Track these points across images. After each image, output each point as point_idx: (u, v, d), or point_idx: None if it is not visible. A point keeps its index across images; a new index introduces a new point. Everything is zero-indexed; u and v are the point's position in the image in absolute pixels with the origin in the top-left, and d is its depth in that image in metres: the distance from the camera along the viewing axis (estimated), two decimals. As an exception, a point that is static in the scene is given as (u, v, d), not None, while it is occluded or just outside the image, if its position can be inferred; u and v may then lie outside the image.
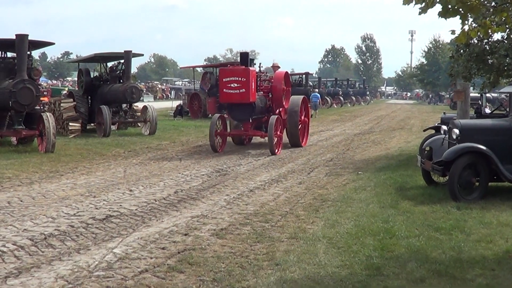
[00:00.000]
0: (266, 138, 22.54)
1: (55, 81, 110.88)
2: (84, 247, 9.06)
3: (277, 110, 24.37)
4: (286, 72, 25.52)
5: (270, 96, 24.35)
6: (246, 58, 22.74)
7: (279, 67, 26.10)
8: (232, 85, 21.85)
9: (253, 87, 22.00)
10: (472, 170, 12.59)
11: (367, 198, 12.85)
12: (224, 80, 22.16)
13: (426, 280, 7.52)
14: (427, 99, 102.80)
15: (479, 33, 8.52)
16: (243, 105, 22.26)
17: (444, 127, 14.77)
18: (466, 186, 12.56)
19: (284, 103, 24.26)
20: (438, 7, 7.85)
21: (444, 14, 7.86)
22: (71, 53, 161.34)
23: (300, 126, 24.64)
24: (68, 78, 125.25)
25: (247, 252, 8.85)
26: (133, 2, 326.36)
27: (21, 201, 12.57)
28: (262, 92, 24.05)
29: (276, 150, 21.85)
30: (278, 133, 22.45)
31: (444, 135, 14.31)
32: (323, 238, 9.49)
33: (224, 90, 22.16)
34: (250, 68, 22.21)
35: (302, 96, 25.83)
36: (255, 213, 11.58)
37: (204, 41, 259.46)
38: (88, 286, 7.34)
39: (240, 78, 21.78)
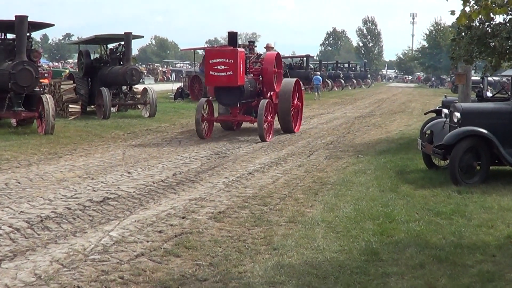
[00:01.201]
0: (256, 123, 21.08)
1: (56, 63, 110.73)
2: (81, 230, 8.98)
3: (268, 94, 23.22)
4: (278, 53, 24.15)
5: (261, 79, 23.02)
6: (234, 38, 21.85)
7: (272, 48, 25.46)
8: (218, 67, 20.43)
9: (241, 70, 20.64)
10: (473, 154, 12.50)
11: (367, 182, 12.76)
12: (210, 62, 20.72)
13: (426, 266, 7.43)
14: (428, 82, 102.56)
15: (480, 15, 8.38)
16: (230, 89, 20.90)
17: (445, 111, 14.64)
18: (467, 170, 12.47)
19: (275, 87, 23.06)
20: (440, -12, 7.74)
21: (446, -5, 7.73)
22: (72, 35, 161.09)
23: (292, 110, 23.43)
24: (69, 60, 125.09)
25: (245, 236, 8.77)
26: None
27: (19, 183, 12.50)
28: (252, 75, 22.81)
29: (267, 137, 20.67)
30: (269, 118, 21.23)
31: (445, 119, 14.19)
32: (322, 222, 9.41)
33: (211, 72, 20.70)
34: (238, 49, 20.98)
35: (294, 79, 24.70)
36: (253, 196, 11.51)
37: (205, 23, 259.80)
38: (83, 270, 7.26)
39: (227, 60, 20.39)
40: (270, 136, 21.07)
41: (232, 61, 20.34)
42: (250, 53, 23.94)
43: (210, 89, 25.99)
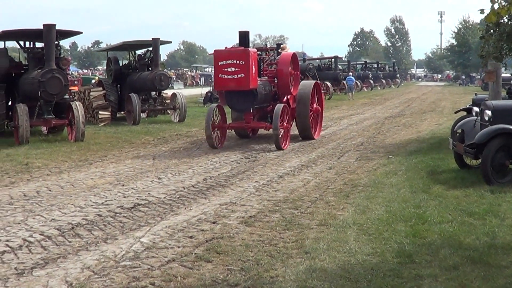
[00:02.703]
0: (271, 130, 19.13)
1: (86, 70, 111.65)
2: (111, 237, 8.99)
3: (285, 98, 21.21)
4: (294, 54, 22.36)
5: (276, 81, 21.33)
6: (245, 38, 19.97)
7: (287, 50, 23.68)
8: (228, 69, 18.81)
9: (253, 72, 18.94)
10: (506, 152, 12.34)
11: (398, 183, 12.66)
12: (219, 63, 19.07)
13: (460, 267, 7.33)
14: (458, 80, 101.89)
15: (509, 12, 8.27)
16: (242, 93, 19.27)
17: (476, 109, 14.49)
18: (500, 169, 12.32)
19: (291, 90, 21.24)
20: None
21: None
22: (101, 42, 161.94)
23: (311, 115, 21.68)
24: (98, 67, 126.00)
25: (276, 240, 8.73)
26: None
27: (50, 190, 12.56)
28: (266, 78, 21.11)
29: (283, 144, 19.06)
30: (285, 124, 19.46)
31: (476, 117, 14.04)
32: (354, 224, 9.34)
33: (220, 75, 19.13)
34: (250, 50, 19.25)
35: (313, 81, 23.20)
36: (284, 199, 11.46)
37: (233, 27, 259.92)
38: (114, 276, 7.26)
39: (238, 61, 18.76)
40: (287, 144, 19.51)
41: (243, 62, 18.75)
42: (265, 54, 22.52)
43: (220, 95, 24.83)
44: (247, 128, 21.22)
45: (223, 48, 19.97)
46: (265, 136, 22.02)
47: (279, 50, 23.51)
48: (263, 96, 20.10)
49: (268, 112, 21.12)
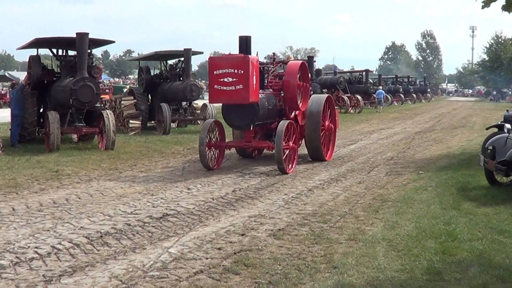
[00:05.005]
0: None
1: (117, 79, 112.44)
2: (140, 246, 9.00)
3: (292, 114, 18.99)
4: (303, 63, 19.44)
5: (282, 95, 18.75)
6: (246, 44, 17.23)
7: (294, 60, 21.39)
8: (225, 79, 16.27)
9: (254, 83, 16.39)
10: (538, 170, 12.22)
11: (428, 199, 12.56)
12: (215, 72, 16.47)
13: (489, 286, 7.25)
14: (489, 96, 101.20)
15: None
16: (241, 107, 16.78)
17: (508, 125, 14.43)
18: (531, 187, 12.21)
19: (300, 105, 18.67)
20: (501, 1, 7.62)
21: (508, 7, 7.63)
22: (133, 51, 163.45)
23: (323, 134, 18.99)
24: (130, 76, 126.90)
25: (305, 253, 8.68)
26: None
27: (79, 198, 12.63)
28: (271, 90, 18.71)
29: (288, 167, 16.64)
30: (291, 144, 16.98)
31: (507, 134, 13.93)
32: (383, 240, 9.27)
33: (215, 86, 16.51)
34: (250, 57, 16.55)
35: (325, 95, 20.17)
36: (313, 213, 11.40)
37: (263, 38, 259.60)
38: (142, 286, 7.26)
39: (236, 70, 16.21)
40: (293, 167, 17.05)
41: (242, 71, 16.18)
42: (273, 64, 20.35)
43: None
44: (247, 147, 18.57)
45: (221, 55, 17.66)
46: (273, 156, 17.84)
47: (285, 61, 21.07)
48: (266, 111, 17.55)
49: (273, 129, 18.13)
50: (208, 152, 17.08)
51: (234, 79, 16.19)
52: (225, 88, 16.30)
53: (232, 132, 20.10)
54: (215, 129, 17.91)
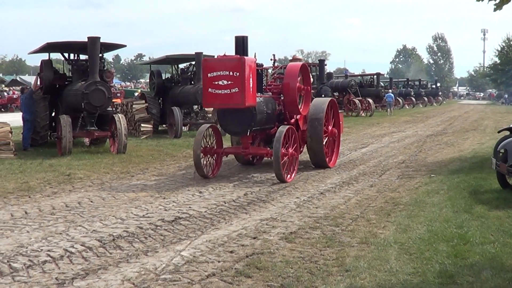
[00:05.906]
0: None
1: (128, 83, 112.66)
2: (152, 249, 9.02)
3: (293, 118, 18.08)
4: (304, 64, 18.64)
5: (282, 98, 17.76)
6: (242, 44, 16.22)
7: (300, 60, 20.42)
8: (219, 82, 15.32)
9: (251, 86, 15.49)
10: (550, 174, 12.18)
11: (440, 202, 12.53)
12: (209, 75, 15.50)
13: (502, 289, 7.24)
14: (501, 99, 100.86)
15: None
16: (237, 112, 15.88)
17: (520, 129, 14.34)
18: (544, 190, 12.17)
19: (301, 109, 17.79)
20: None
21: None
22: (144, 55, 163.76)
23: (326, 140, 18.15)
24: (141, 80, 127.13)
25: (317, 257, 8.68)
26: (201, 4, 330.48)
27: (91, 201, 12.68)
28: (270, 93, 17.77)
29: (287, 176, 15.69)
30: (290, 150, 15.99)
31: (520, 137, 13.88)
32: (395, 243, 9.26)
33: (209, 90, 15.51)
34: (247, 58, 15.63)
35: (329, 98, 19.18)
36: (325, 216, 11.39)
37: (275, 42, 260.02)
38: (154, 289, 7.28)
39: (231, 73, 15.28)
40: (293, 175, 16.09)
41: (238, 73, 15.25)
42: (273, 66, 19.77)
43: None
44: (244, 154, 17.42)
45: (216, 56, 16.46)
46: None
47: (290, 60, 20.31)
48: (264, 116, 16.59)
49: (272, 135, 17.03)
50: (204, 159, 16.31)
51: (229, 82, 15.29)
52: (219, 91, 15.39)
53: (231, 138, 19.32)
54: (211, 134, 17.07)
